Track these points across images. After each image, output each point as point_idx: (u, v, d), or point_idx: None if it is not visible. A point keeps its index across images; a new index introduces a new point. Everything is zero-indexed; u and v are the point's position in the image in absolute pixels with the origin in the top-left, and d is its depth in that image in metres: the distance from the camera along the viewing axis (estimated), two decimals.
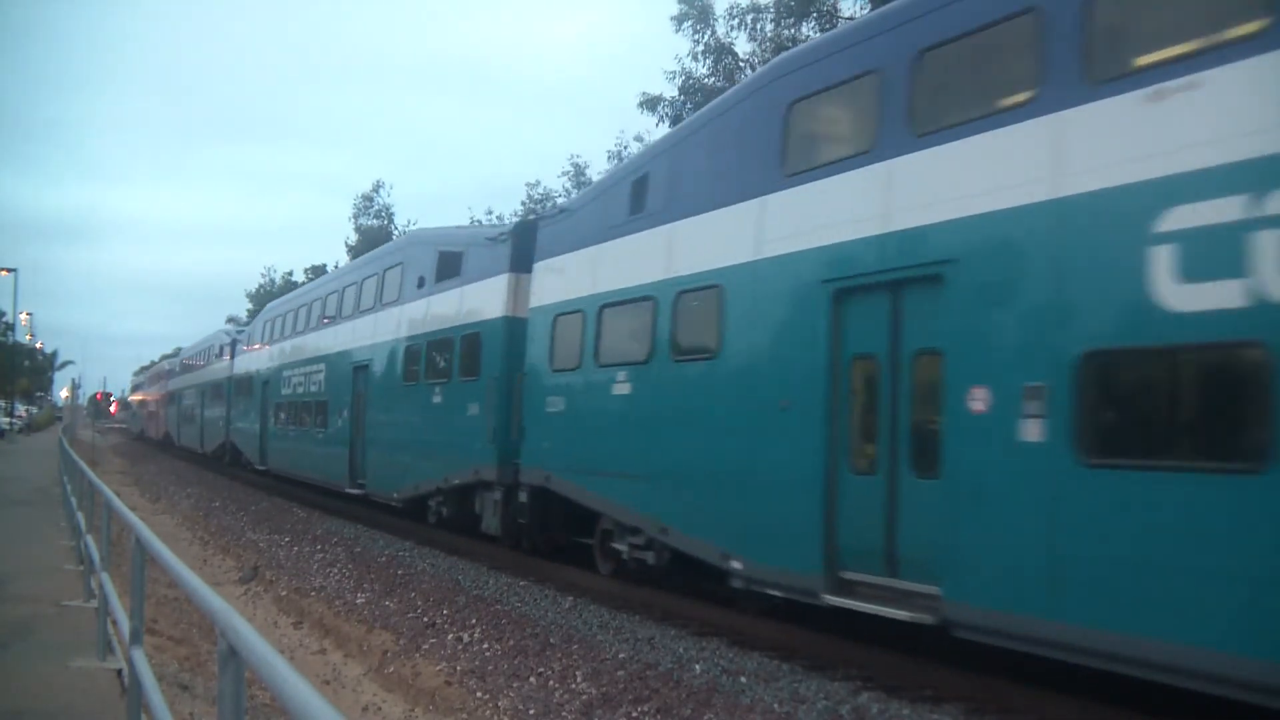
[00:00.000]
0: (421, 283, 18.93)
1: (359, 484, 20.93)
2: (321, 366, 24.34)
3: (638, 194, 12.41)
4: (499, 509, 15.17)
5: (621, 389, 12.10)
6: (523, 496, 14.36)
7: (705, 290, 10.83)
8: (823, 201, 9.37)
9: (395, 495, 18.93)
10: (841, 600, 8.76)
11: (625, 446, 11.97)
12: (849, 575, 8.86)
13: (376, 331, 20.91)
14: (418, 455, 17.95)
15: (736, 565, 10.05)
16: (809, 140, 10.09)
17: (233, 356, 35.26)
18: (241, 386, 33.33)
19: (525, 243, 15.32)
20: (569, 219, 14.23)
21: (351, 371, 21.94)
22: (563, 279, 13.72)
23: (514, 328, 15.14)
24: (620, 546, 12.31)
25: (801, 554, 9.20)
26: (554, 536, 14.67)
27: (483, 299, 16.28)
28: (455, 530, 17.08)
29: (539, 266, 14.51)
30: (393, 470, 19.18)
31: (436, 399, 17.53)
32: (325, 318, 24.99)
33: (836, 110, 9.98)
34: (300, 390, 25.92)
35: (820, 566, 8.98)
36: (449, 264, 17.92)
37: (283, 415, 27.65)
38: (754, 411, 9.90)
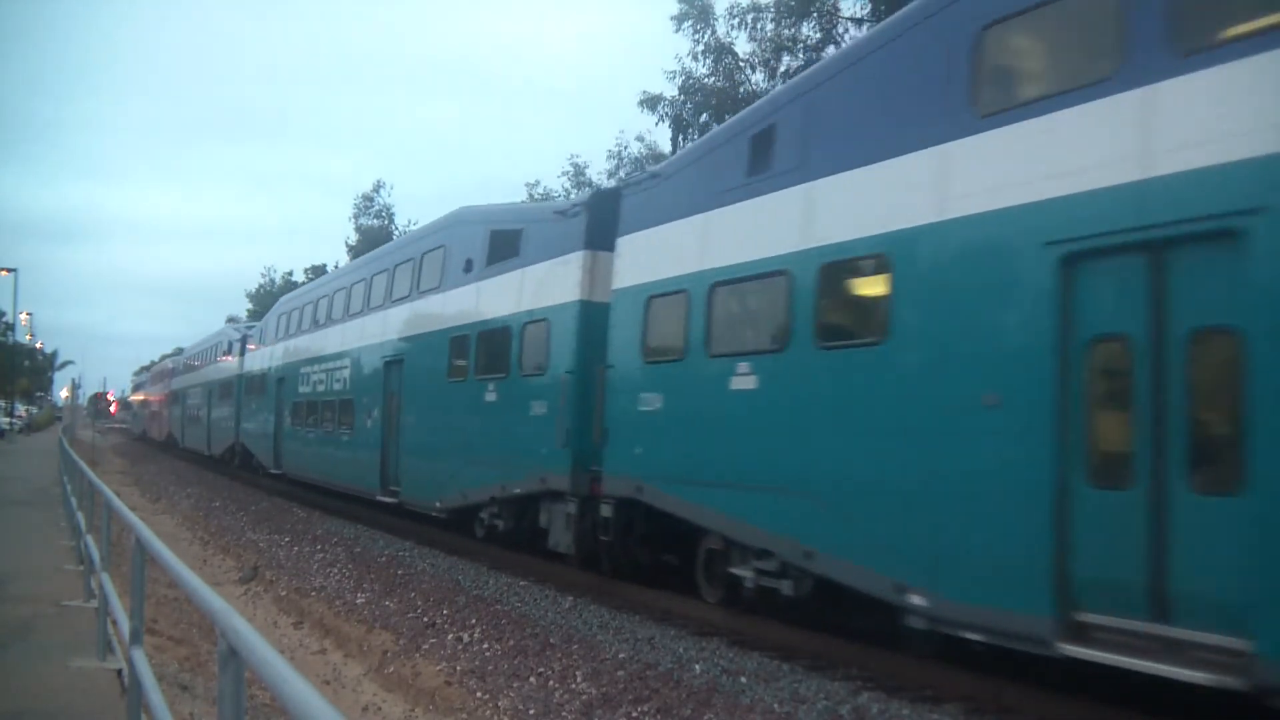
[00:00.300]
0: (469, 266, 16.70)
1: (391, 491, 18.91)
2: (346, 362, 22.23)
3: (760, 150, 10.39)
4: (573, 524, 13.13)
5: (744, 383, 10.07)
6: (605, 510, 12.33)
7: (864, 260, 8.89)
8: (1040, 145, 7.48)
9: (437, 505, 16.75)
10: (1085, 651, 6.82)
11: (751, 452, 9.94)
12: (1088, 617, 6.95)
13: (413, 323, 18.82)
14: (466, 461, 15.88)
15: (918, 601, 8.03)
16: (1012, 72, 8.29)
17: (243, 353, 33.48)
18: (253, 385, 31.24)
19: (603, 215, 13.22)
20: (663, 185, 12.19)
21: (383, 367, 19.90)
22: (658, 255, 11.76)
23: (591, 314, 13.09)
24: (742, 572, 10.22)
25: (1019, 588, 7.29)
26: (637, 555, 12.59)
27: (550, 282, 14.10)
28: (510, 546, 15.27)
29: (624, 242, 12.49)
30: (434, 477, 17.04)
31: (490, 397, 15.35)
32: (350, 309, 22.82)
33: (1054, 30, 7.93)
34: (321, 388, 23.92)
35: (1049, 605, 7.04)
36: (504, 244, 15.72)
37: (300, 415, 25.63)
38: (944, 409, 7.96)
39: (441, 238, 18.46)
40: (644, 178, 12.98)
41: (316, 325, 25.37)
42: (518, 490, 14.35)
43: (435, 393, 17.53)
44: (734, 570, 10.42)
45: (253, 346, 32.27)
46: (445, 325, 17.29)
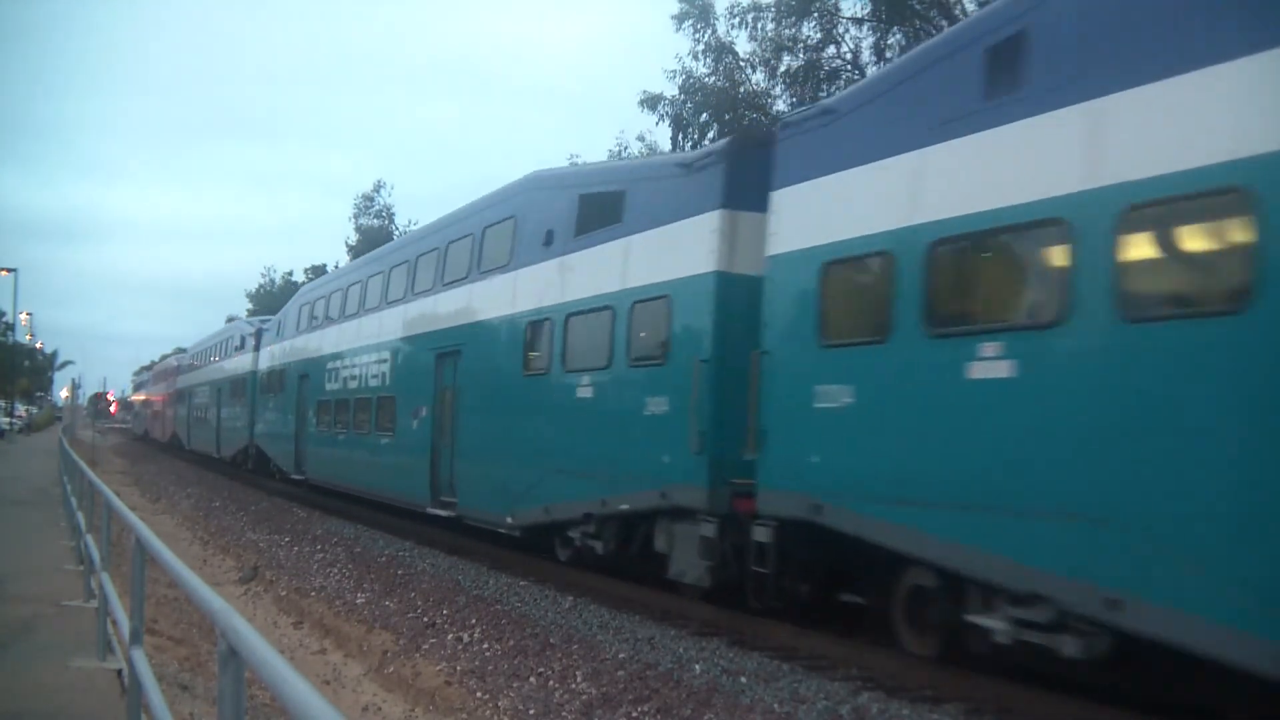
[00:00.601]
0: (549, 239, 14.10)
1: (445, 503, 16.52)
2: (386, 355, 19.83)
3: (1001, 65, 7.91)
4: (710, 549, 10.53)
5: (992, 370, 7.65)
6: (759, 534, 9.80)
7: (1208, 198, 6.48)
8: None
9: (509, 520, 14.32)
10: None
11: (1008, 464, 7.53)
12: None
13: (473, 307, 16.29)
14: (549, 469, 13.46)
15: None
16: None
17: (258, 348, 31.17)
18: (270, 382, 28.91)
19: (745, 166, 10.84)
20: (842, 122, 9.65)
21: (433, 360, 17.39)
22: (838, 209, 9.35)
23: (731, 288, 10.66)
24: (991, 623, 7.72)
25: None
26: (800, 590, 10.09)
27: (670, 251, 11.59)
28: (611, 573, 12.82)
29: (784, 196, 9.98)
30: (503, 488, 14.53)
31: (584, 393, 12.87)
32: (390, 296, 20.28)
33: None
34: (353, 385, 21.50)
35: None
36: (599, 210, 13.18)
37: (327, 415, 23.21)
38: None
39: (510, 208, 15.75)
40: (809, 114, 10.29)
41: (347, 315, 22.85)
42: (625, 506, 11.88)
43: (504, 388, 15.00)
44: (974, 619, 7.95)
45: (272, 339, 29.89)
46: (518, 309, 14.76)
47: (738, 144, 11.39)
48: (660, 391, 11.41)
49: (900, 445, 8.41)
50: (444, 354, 17.09)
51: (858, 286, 9.47)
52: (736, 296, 10.58)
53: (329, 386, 23.14)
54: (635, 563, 12.26)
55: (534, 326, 14.29)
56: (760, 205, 10.33)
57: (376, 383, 20.23)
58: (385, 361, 19.89)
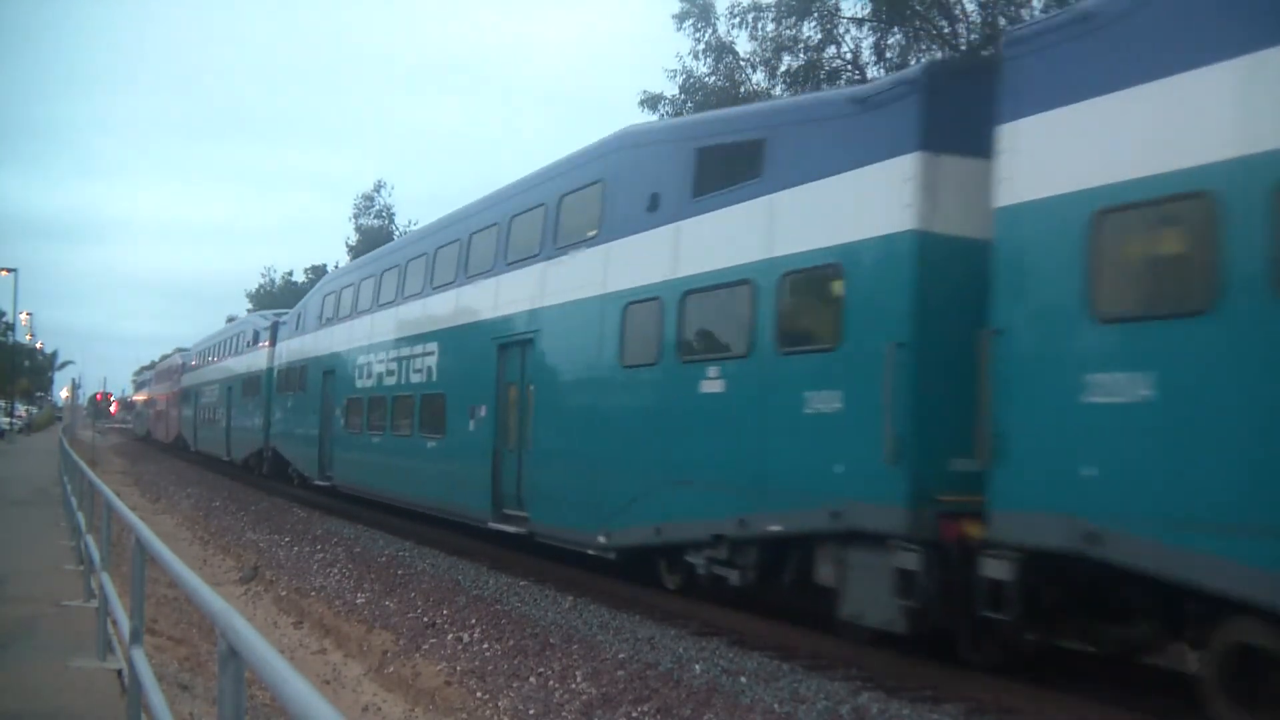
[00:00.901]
0: (655, 203, 11.90)
1: (510, 516, 14.48)
2: (432, 347, 17.64)
3: None
4: (909, 586, 8.22)
5: None
6: (994, 568, 7.66)
7: None
8: None
9: (601, 539, 12.15)
10: None
11: None
12: None
13: (547, 289, 14.02)
14: (660, 480, 11.22)
15: None
16: None
17: (274, 343, 29.07)
18: (289, 379, 26.73)
19: (948, 100, 8.71)
20: (1108, 31, 7.40)
21: (495, 352, 15.24)
22: (1113, 140, 7.19)
23: (934, 252, 8.50)
24: None
25: None
26: (1043, 637, 8.27)
27: (840, 209, 9.32)
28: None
29: (1023, 129, 7.80)
30: (594, 500, 12.34)
31: (711, 387, 10.64)
32: (436, 281, 18.08)
33: None
34: (391, 381, 19.31)
35: None
36: (726, 164, 11.06)
37: (357, 415, 21.02)
38: None
39: (597, 171, 13.52)
40: (1057, 22, 7.96)
41: (382, 304, 20.63)
42: (775, 528, 9.64)
43: (594, 383, 12.77)
44: None
45: (290, 333, 27.76)
46: (612, 289, 12.50)
47: (936, 71, 9.23)
48: (828, 384, 9.16)
49: (1248, 451, 6.29)
50: (509, 344, 14.97)
51: (1158, 240, 7.25)
52: (941, 262, 8.49)
53: (361, 383, 21.05)
54: (787, 595, 10.20)
55: (635, 308, 12.00)
56: (967, 148, 8.45)
57: (420, 378, 18.04)
58: (431, 354, 17.70)
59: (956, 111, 8.62)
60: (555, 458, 13.47)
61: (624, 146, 13.12)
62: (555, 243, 14.10)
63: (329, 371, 23.21)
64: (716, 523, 10.33)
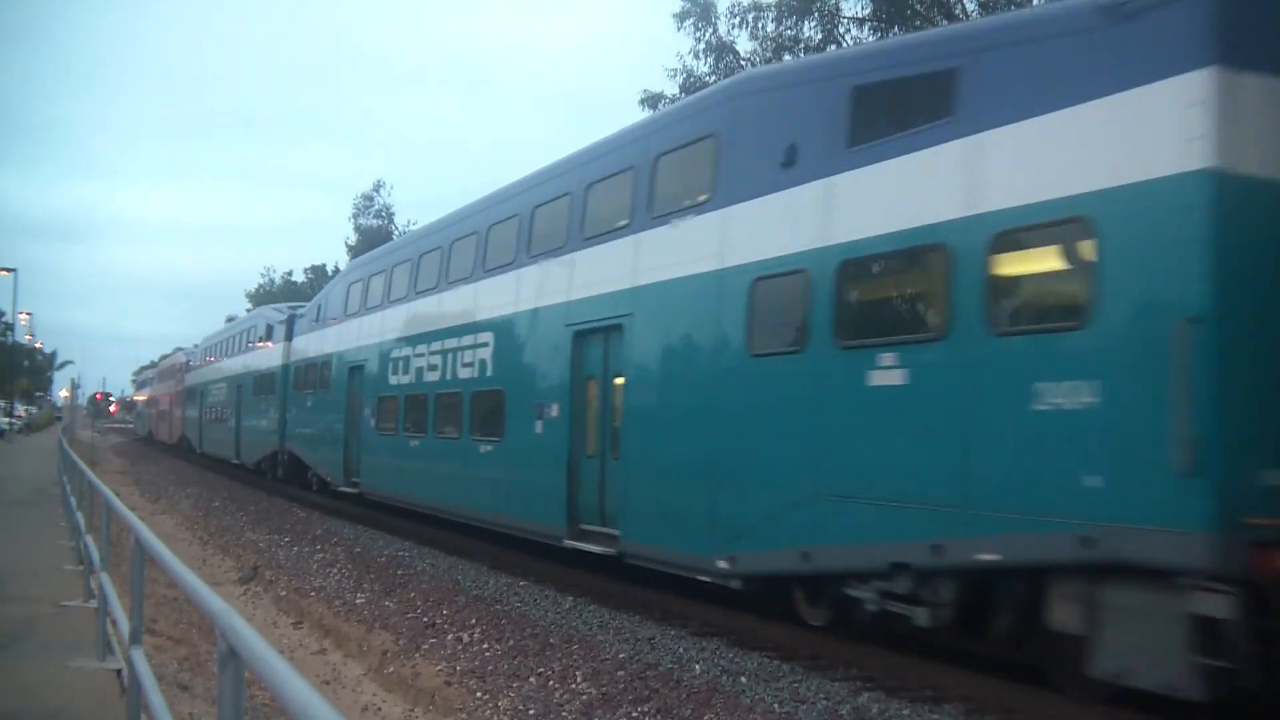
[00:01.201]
0: (792, 157, 9.87)
1: (591, 533, 12.54)
2: (485, 337, 15.58)
3: None
4: (1218, 640, 6.42)
5: None
6: None
7: None
8: None
9: (721, 564, 10.15)
10: None
11: None
12: None
13: (642, 265, 11.94)
14: (811, 492, 9.16)
15: None
16: None
17: (289, 338, 27.22)
18: (309, 376, 24.83)
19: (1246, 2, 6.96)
20: None
21: (570, 341, 13.18)
22: None
23: (1238, 199, 6.63)
24: None
25: None
26: None
27: (1083, 146, 7.35)
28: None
29: None
30: (713, 516, 10.34)
31: (886, 378, 8.51)
32: (489, 262, 16.00)
33: None
34: (434, 377, 17.27)
35: None
36: (899, 103, 9.11)
37: (390, 415, 19.08)
38: None
39: (707, 124, 11.44)
40: None
41: (420, 290, 18.50)
42: (990, 556, 7.58)
43: (712, 375, 10.71)
44: None
45: (309, 327, 25.88)
46: (732, 262, 10.52)
47: None
48: (1075, 372, 7.17)
49: None
50: (590, 331, 12.93)
51: None
52: (1246, 212, 6.68)
53: (395, 380, 18.94)
54: (1000, 640, 8.20)
55: (768, 284, 10.00)
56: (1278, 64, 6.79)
57: (470, 373, 15.95)
58: (485, 345, 15.59)
59: (1264, 15, 6.88)
60: (655, 466, 11.40)
61: (743, 94, 11.09)
62: (651, 211, 12.02)
63: (356, 367, 21.23)
64: (898, 547, 8.25)
